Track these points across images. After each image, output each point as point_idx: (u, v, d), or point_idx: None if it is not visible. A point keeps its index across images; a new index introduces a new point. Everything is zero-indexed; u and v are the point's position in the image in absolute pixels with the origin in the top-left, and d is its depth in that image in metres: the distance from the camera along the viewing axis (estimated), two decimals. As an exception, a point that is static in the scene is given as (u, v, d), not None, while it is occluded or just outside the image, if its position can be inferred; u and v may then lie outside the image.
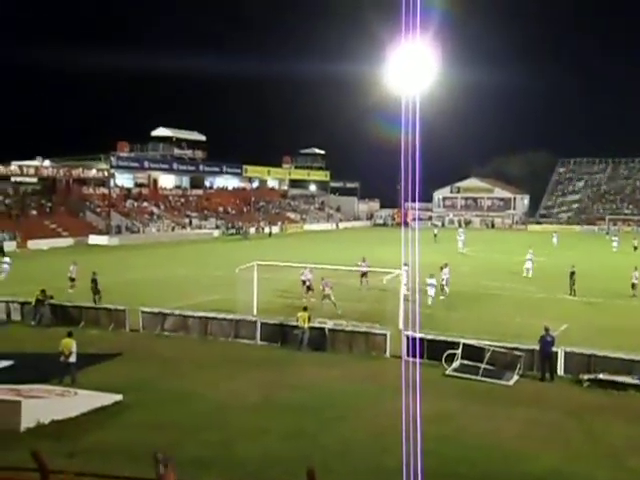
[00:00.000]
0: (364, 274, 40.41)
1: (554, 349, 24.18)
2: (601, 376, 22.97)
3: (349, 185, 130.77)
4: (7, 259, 47.61)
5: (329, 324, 28.09)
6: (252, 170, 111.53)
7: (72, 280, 39.30)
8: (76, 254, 52.77)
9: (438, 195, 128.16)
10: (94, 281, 35.05)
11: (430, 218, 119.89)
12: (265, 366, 24.12)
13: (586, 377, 23.20)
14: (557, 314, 32.84)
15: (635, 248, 68.47)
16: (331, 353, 26.22)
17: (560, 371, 24.02)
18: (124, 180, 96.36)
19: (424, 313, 29.30)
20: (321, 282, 34.59)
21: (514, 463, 15.80)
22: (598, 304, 37.99)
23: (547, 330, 24.43)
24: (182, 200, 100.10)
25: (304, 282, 37.52)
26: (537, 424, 18.96)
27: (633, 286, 40.61)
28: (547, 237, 78.66)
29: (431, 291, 36.77)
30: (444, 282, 39.19)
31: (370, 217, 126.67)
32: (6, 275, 44.49)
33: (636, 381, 22.57)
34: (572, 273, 40.84)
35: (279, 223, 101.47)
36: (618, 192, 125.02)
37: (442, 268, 39.96)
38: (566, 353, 24.32)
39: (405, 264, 33.26)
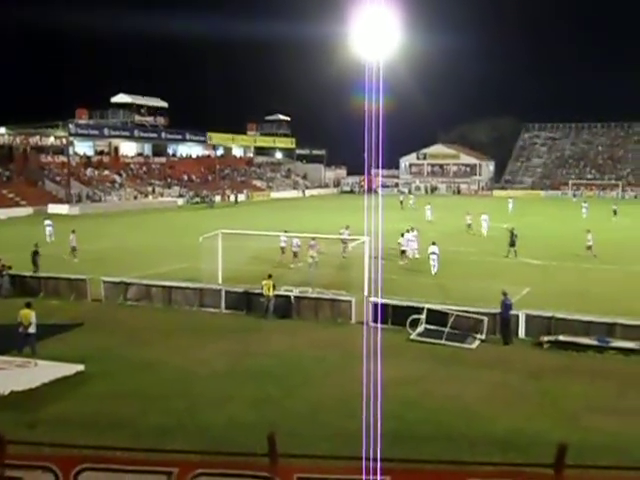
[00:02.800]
0: (344, 242, 40.31)
1: (514, 312, 24.64)
2: (561, 338, 23.46)
3: (316, 152, 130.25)
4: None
5: (295, 291, 28.26)
6: (216, 137, 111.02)
7: (74, 250, 39.33)
8: (36, 224, 52.39)
9: (404, 162, 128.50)
10: (35, 253, 34.75)
11: (397, 185, 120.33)
12: (230, 334, 24.23)
13: (546, 339, 23.68)
14: (520, 278, 33.42)
15: (614, 212, 67.97)
16: (297, 320, 26.40)
17: (521, 334, 24.47)
18: (84, 148, 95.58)
19: (390, 279, 29.64)
20: (308, 244, 35.26)
21: (477, 424, 16.06)
22: (560, 267, 38.47)
23: (505, 294, 24.86)
24: (144, 168, 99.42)
25: (282, 249, 37.94)
26: (499, 386, 19.32)
27: (589, 248, 41.52)
28: (518, 203, 78.80)
29: (434, 257, 36.84)
30: (406, 247, 39.40)
31: (337, 184, 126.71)
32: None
33: (595, 342, 23.12)
34: (512, 234, 41.62)
35: (245, 191, 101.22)
36: (581, 157, 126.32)
37: (404, 233, 40.23)
38: (527, 316, 24.77)
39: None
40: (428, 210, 62.08)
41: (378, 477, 7.75)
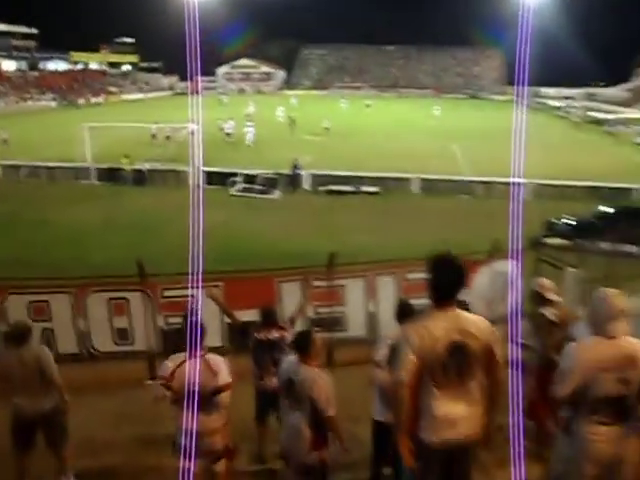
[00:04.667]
0: (228, 133, 38.55)
1: (300, 172, 25.49)
2: (331, 187, 24.61)
3: (154, 64, 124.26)
4: None
5: (146, 165, 27.49)
6: (77, 55, 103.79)
7: None
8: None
9: (221, 71, 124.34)
10: None
11: (215, 89, 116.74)
12: (103, 198, 23.34)
13: (322, 189, 24.76)
14: (307, 149, 33.31)
15: (367, 106, 66.92)
16: (150, 187, 25.63)
17: (306, 186, 25.40)
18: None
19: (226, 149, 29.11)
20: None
21: (278, 246, 16.27)
22: (335, 141, 38.27)
23: (295, 160, 25.57)
24: (22, 80, 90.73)
25: (154, 135, 36.29)
26: (293, 220, 19.90)
27: (326, 128, 42.02)
28: (301, 100, 78.46)
29: (250, 133, 36.92)
30: (230, 130, 38.65)
31: (172, 88, 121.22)
32: None
33: (352, 188, 24.42)
34: (292, 120, 42.05)
35: (102, 95, 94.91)
36: (344, 67, 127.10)
37: (226, 122, 39.62)
38: (311, 174, 25.67)
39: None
40: (251, 106, 60.85)
41: (214, 284, 8.11)
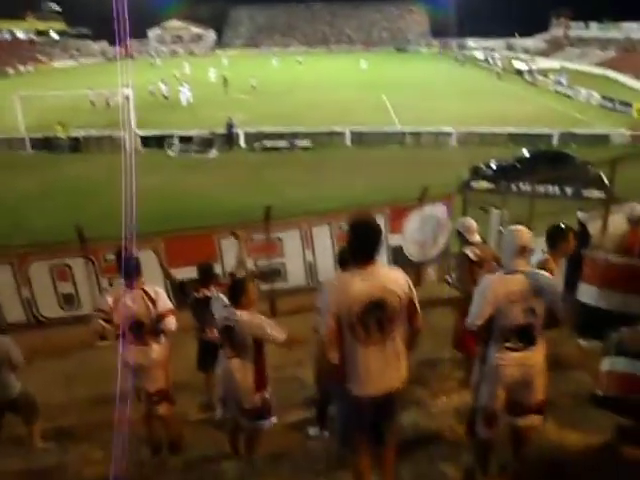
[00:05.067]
0: (165, 96, 37.15)
1: (236, 131, 25.11)
2: (266, 144, 24.38)
3: (84, 31, 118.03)
4: None
5: (82, 132, 26.39)
6: (2, 24, 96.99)
7: None
8: None
9: (152, 33, 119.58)
10: None
11: (147, 52, 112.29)
12: (39, 167, 22.33)
13: (257, 146, 24.50)
14: (241, 108, 32.71)
15: (299, 62, 66.01)
16: (86, 153, 24.66)
17: (242, 144, 25.08)
18: None
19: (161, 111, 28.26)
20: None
21: (215, 203, 16.08)
22: (268, 99, 37.63)
23: (230, 119, 25.14)
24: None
25: (92, 102, 35.15)
26: (231, 177, 19.68)
27: (253, 87, 41.33)
28: (233, 60, 76.53)
29: (186, 94, 36.09)
30: (166, 93, 37.53)
31: (103, 54, 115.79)
32: None
33: (287, 144, 24.27)
34: (225, 80, 41.19)
35: (32, 64, 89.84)
36: (274, 26, 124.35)
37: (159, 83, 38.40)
38: (245, 132, 25.34)
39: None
40: (187, 66, 58.76)
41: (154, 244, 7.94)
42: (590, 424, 3.99)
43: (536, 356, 3.45)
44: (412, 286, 3.16)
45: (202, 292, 5.71)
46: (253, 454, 4.58)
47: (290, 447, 4.70)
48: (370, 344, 3.10)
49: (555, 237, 4.46)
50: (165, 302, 4.52)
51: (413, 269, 9.42)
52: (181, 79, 41.51)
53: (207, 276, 5.85)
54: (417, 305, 3.17)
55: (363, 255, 3.06)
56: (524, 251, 3.42)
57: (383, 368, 3.12)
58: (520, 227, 3.62)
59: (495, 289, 3.40)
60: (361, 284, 3.03)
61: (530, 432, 3.64)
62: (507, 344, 3.41)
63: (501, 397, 3.46)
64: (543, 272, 3.63)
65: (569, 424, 4.11)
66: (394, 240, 9.19)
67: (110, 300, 4.49)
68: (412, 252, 9.40)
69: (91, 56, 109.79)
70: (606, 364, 3.00)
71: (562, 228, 4.51)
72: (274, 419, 4.51)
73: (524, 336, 3.39)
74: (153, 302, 4.46)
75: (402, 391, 3.23)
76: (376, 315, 3.05)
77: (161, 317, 4.48)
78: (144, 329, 4.47)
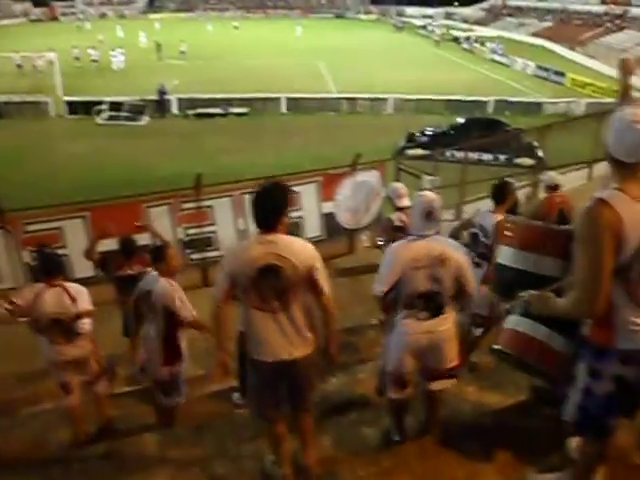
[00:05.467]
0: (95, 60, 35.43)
1: (168, 97, 24.41)
2: (200, 110, 23.84)
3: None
4: None
5: (2, 97, 24.80)
6: None
7: None
8: None
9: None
10: None
11: (74, 14, 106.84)
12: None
13: (191, 112, 23.91)
14: (174, 74, 31.63)
15: (235, 27, 64.21)
16: (7, 120, 22.99)
17: (175, 110, 24.43)
18: None
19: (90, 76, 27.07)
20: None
21: (146, 171, 15.82)
22: (202, 65, 36.74)
23: (161, 85, 24.36)
24: None
25: (19, 65, 32.95)
26: (163, 145, 19.21)
27: (182, 52, 39.93)
28: (166, 23, 73.50)
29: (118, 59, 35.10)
30: (95, 57, 36.00)
31: (26, 15, 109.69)
32: None
33: (221, 110, 23.84)
34: (158, 45, 39.93)
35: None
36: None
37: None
38: (178, 99, 24.68)
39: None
40: (120, 31, 56.36)
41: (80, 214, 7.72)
42: (509, 386, 4.11)
43: (444, 323, 3.41)
44: (319, 264, 3.13)
45: (125, 270, 5.61)
46: (171, 426, 4.57)
47: (217, 416, 4.68)
48: (265, 310, 3.10)
49: (503, 190, 4.64)
50: (84, 302, 4.47)
51: (346, 236, 9.49)
52: (112, 44, 39.57)
53: (129, 250, 5.72)
54: (322, 284, 3.13)
55: (262, 222, 3.07)
56: (431, 216, 3.37)
57: (278, 336, 3.12)
58: (427, 192, 3.60)
59: (400, 255, 3.37)
60: (257, 248, 3.04)
61: (442, 394, 3.66)
62: (412, 312, 3.38)
63: (409, 362, 3.45)
64: (450, 240, 3.63)
65: (489, 386, 4.22)
66: (327, 208, 9.17)
67: (28, 296, 4.39)
68: (345, 219, 9.42)
69: (12, 17, 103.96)
70: (510, 322, 3.05)
71: (508, 182, 4.78)
72: (182, 399, 4.55)
73: (430, 304, 3.37)
74: (73, 300, 4.40)
75: (309, 360, 3.21)
76: (270, 281, 3.04)
77: (79, 317, 4.44)
78: (65, 326, 4.42)
